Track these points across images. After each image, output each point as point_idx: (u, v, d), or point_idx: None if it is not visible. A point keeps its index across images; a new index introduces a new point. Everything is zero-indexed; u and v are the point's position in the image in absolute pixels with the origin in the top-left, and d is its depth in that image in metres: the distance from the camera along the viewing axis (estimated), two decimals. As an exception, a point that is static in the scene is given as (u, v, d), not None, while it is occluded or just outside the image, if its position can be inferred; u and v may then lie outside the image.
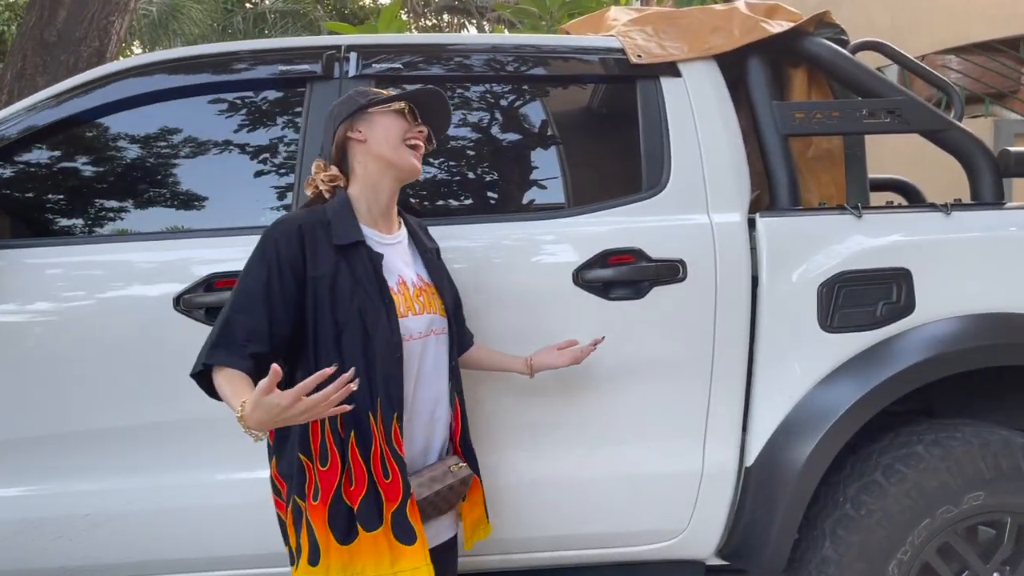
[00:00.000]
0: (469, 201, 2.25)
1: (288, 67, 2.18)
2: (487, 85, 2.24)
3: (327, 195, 1.74)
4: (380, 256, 1.68)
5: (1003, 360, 2.07)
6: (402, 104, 1.74)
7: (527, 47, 2.27)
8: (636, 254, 2.07)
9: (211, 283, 1.99)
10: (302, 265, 1.60)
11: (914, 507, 2.05)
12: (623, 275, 2.06)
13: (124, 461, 2.00)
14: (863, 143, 2.48)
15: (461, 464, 1.75)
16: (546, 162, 2.28)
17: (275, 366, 1.35)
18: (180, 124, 2.21)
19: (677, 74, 2.23)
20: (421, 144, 1.76)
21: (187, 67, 2.20)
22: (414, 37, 2.34)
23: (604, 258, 2.06)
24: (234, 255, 1.98)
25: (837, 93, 2.44)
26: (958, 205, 2.19)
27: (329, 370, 1.38)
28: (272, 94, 2.23)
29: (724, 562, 2.26)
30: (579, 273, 2.05)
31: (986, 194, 2.24)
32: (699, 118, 2.20)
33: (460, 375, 1.84)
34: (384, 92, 1.78)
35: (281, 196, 2.20)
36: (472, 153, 2.27)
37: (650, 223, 2.11)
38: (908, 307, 2.08)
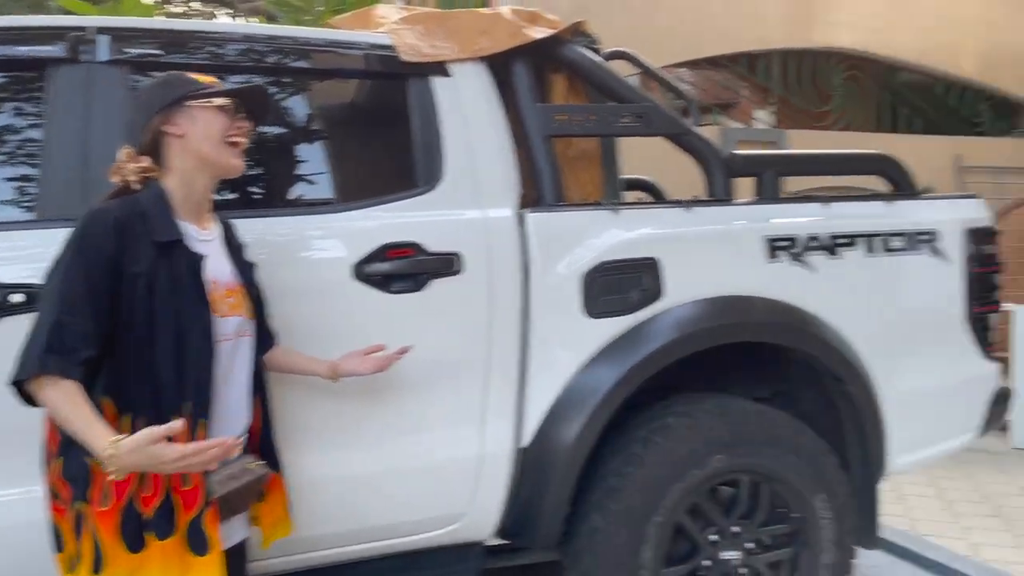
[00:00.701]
0: (237, 195, 2.19)
1: (25, 48, 1.99)
2: (259, 78, 2.18)
3: (137, 186, 1.62)
4: (201, 257, 1.62)
5: (733, 337, 2.36)
6: (226, 99, 1.66)
7: (301, 39, 2.25)
8: (414, 247, 2.12)
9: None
10: (120, 260, 1.52)
11: (668, 473, 2.27)
12: (402, 268, 2.10)
13: None
14: (616, 144, 2.70)
15: (258, 462, 1.71)
16: (322, 157, 2.27)
17: (181, 421, 1.41)
18: None
19: (447, 74, 2.31)
20: (242, 141, 1.70)
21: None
22: (180, 22, 2.23)
23: (383, 252, 2.10)
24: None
25: (592, 98, 2.63)
26: (696, 202, 2.46)
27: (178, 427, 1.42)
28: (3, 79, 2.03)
29: (502, 541, 2.37)
30: (359, 267, 2.07)
31: (718, 192, 2.52)
32: (470, 117, 2.29)
33: (264, 377, 1.81)
34: (202, 80, 1.68)
35: (20, 191, 2.01)
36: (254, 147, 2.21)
37: (426, 217, 2.17)
38: (657, 293, 2.30)
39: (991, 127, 9.37)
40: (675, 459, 2.28)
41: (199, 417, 1.58)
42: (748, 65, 8.36)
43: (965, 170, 8.76)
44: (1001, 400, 2.83)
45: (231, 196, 2.09)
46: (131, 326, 1.52)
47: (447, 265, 2.14)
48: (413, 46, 2.31)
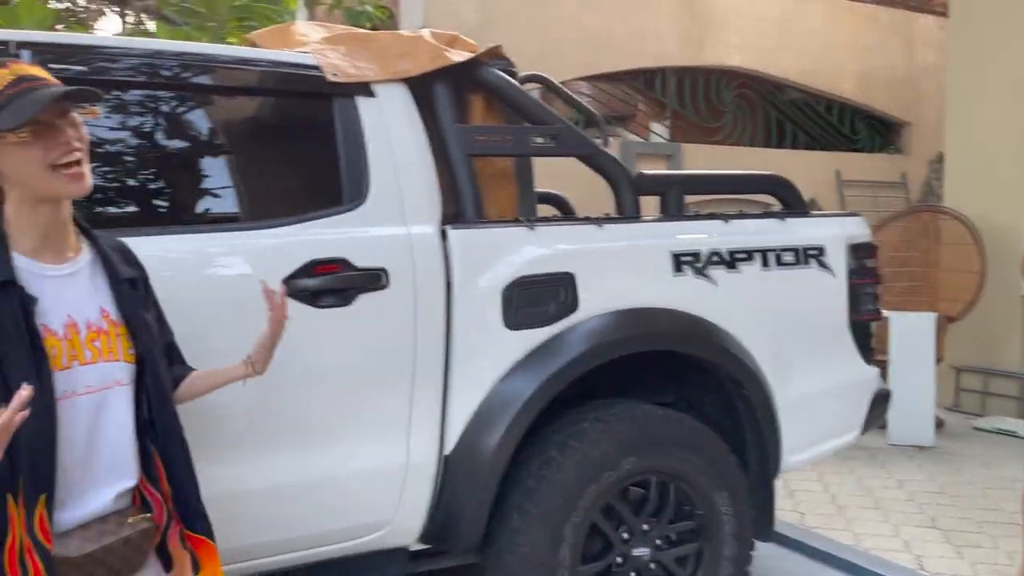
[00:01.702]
0: (165, 212, 2.20)
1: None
2: (178, 97, 2.19)
3: None
4: (33, 300, 1.37)
5: (645, 347, 2.52)
6: (23, 134, 1.34)
7: (226, 58, 2.28)
8: (342, 263, 2.18)
9: None
10: None
11: (583, 475, 2.40)
12: (330, 283, 2.16)
13: None
14: (531, 163, 2.83)
15: (141, 516, 1.48)
16: (248, 174, 2.30)
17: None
18: None
19: (371, 94, 2.38)
20: (79, 154, 1.40)
21: None
22: (107, 39, 2.22)
23: (311, 268, 2.15)
24: None
25: (507, 118, 2.75)
26: (608, 219, 2.61)
27: (26, 392, 1.18)
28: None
29: (425, 545, 2.45)
30: (287, 282, 2.11)
31: (627, 209, 2.68)
32: (393, 136, 2.36)
33: (170, 426, 1.54)
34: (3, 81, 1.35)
35: None
36: (169, 166, 2.22)
37: (353, 234, 2.23)
38: (573, 305, 2.43)
39: (867, 144, 10.02)
40: (590, 462, 2.41)
41: (38, 493, 1.33)
42: (645, 81, 8.69)
43: (845, 183, 9.36)
44: (881, 401, 3.10)
45: (162, 211, 2.10)
46: None
47: (374, 280, 2.21)
48: (337, 66, 2.37)
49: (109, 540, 1.40)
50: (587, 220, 2.58)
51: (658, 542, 2.58)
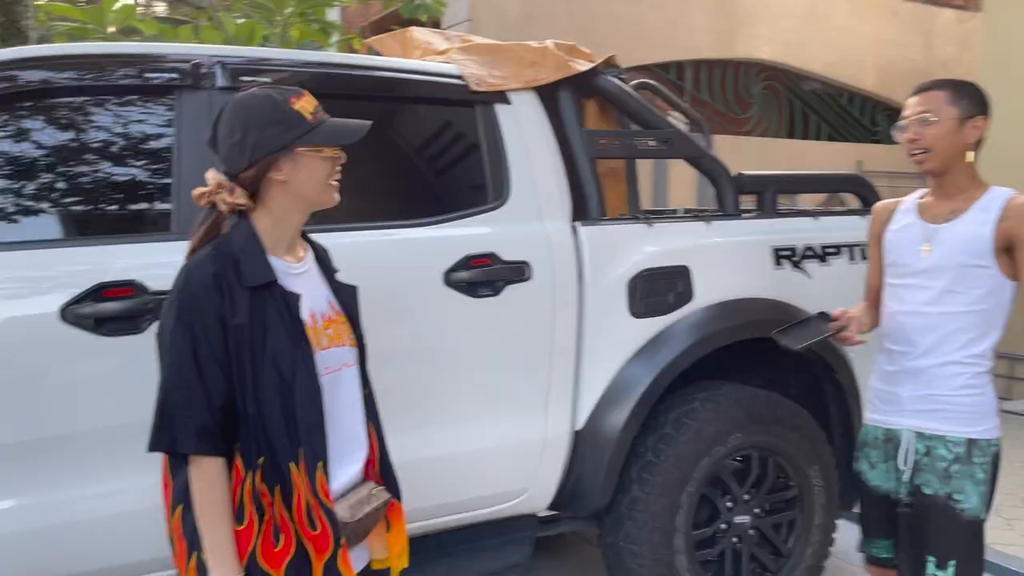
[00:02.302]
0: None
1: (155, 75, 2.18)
2: (360, 104, 2.42)
3: (225, 215, 1.56)
4: (296, 297, 1.54)
5: (753, 333, 2.75)
6: (334, 150, 1.58)
7: (387, 68, 2.49)
8: (492, 257, 2.42)
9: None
10: (224, 316, 1.46)
11: (697, 449, 2.65)
12: (483, 276, 2.39)
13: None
14: (635, 164, 3.06)
15: (380, 488, 1.68)
16: (401, 175, 2.52)
17: None
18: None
19: (508, 102, 2.60)
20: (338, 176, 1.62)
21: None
22: (284, 53, 2.44)
23: (467, 261, 2.38)
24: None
25: (620, 123, 2.98)
26: (714, 216, 2.84)
27: None
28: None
29: (552, 512, 2.70)
30: (448, 274, 2.35)
31: (729, 207, 2.91)
32: (528, 140, 2.59)
33: (375, 402, 1.74)
34: (307, 111, 1.55)
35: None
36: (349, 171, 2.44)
37: (500, 231, 2.47)
38: (688, 296, 2.67)
39: (887, 135, 10.26)
40: (703, 438, 2.66)
41: (316, 460, 1.51)
42: (677, 73, 8.90)
43: (867, 174, 9.60)
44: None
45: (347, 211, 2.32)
46: (238, 375, 1.47)
47: (519, 272, 2.44)
48: (478, 76, 2.59)
49: (367, 509, 1.60)
50: (696, 218, 2.82)
51: (757, 511, 2.83)
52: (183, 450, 1.45)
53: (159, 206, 2.21)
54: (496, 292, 2.42)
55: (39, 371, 1.94)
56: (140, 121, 2.23)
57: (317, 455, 1.52)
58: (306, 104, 1.56)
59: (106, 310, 1.97)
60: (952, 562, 2.02)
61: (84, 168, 2.18)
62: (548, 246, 2.51)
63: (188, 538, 1.50)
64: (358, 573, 1.60)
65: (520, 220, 2.51)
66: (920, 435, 2.08)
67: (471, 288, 2.38)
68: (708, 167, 2.91)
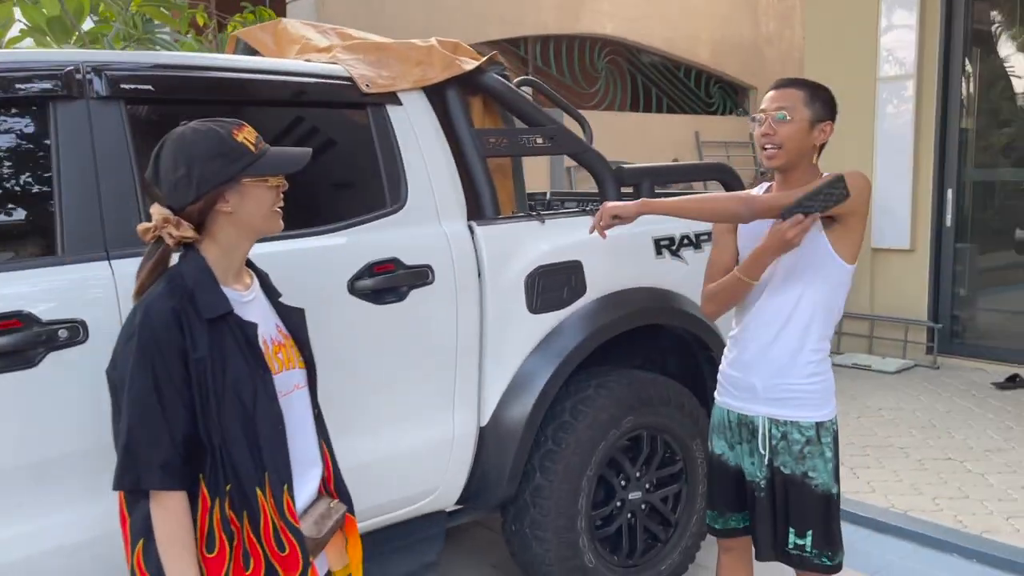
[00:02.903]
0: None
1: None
2: (250, 109, 2.33)
3: (172, 248, 1.59)
4: (254, 326, 1.59)
5: (646, 321, 2.90)
6: (278, 179, 1.63)
7: (276, 71, 2.41)
8: (395, 263, 2.41)
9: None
10: (186, 350, 1.48)
11: (594, 435, 2.78)
12: (387, 283, 2.39)
13: None
14: (521, 161, 3.12)
15: (337, 502, 1.76)
16: (297, 183, 2.45)
17: None
18: None
19: (399, 102, 2.59)
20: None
21: None
22: (175, 56, 2.29)
23: (370, 268, 2.37)
24: None
25: (504, 120, 3.01)
26: (596, 210, 2.94)
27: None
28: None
29: (459, 507, 2.76)
30: (352, 283, 2.33)
31: (611, 199, 3.03)
32: (422, 142, 2.59)
33: (324, 420, 1.81)
34: (248, 141, 1.59)
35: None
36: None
37: (400, 235, 2.46)
38: (582, 289, 2.78)
39: (720, 107, 10.87)
40: (599, 423, 2.79)
41: (282, 483, 1.57)
42: (525, 48, 9.02)
43: (704, 144, 10.15)
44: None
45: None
46: (203, 409, 1.50)
47: (422, 276, 2.46)
48: (368, 77, 2.55)
49: (331, 523, 1.68)
50: (582, 212, 2.92)
51: (647, 486, 3.01)
52: (148, 487, 1.46)
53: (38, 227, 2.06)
54: (401, 298, 2.42)
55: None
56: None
57: (282, 479, 1.58)
58: (248, 135, 1.60)
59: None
60: (809, 531, 2.20)
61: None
62: (448, 248, 2.53)
63: (152, 571, 1.50)
64: None
65: (419, 223, 2.52)
66: (775, 421, 2.22)
67: (376, 296, 2.37)
68: (590, 161, 3.01)
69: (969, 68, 6.37)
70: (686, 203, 2.20)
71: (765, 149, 2.17)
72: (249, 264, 1.74)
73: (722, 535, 2.42)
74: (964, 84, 6.36)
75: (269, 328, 1.68)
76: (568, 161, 8.53)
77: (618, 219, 2.23)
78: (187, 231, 1.56)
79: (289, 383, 1.67)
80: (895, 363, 6.24)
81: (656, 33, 9.77)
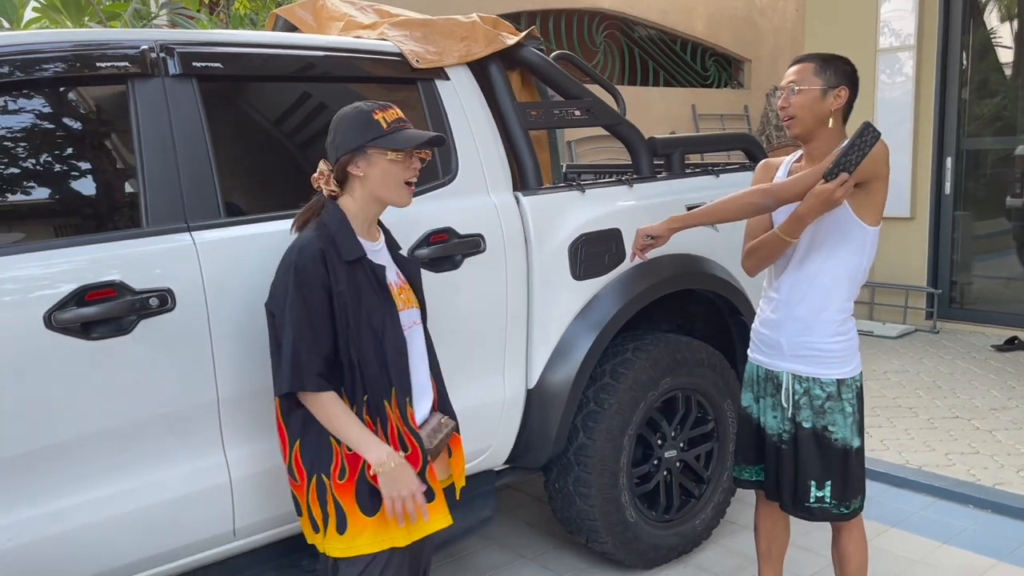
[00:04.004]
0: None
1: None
2: (306, 86, 2.40)
3: (324, 198, 1.95)
4: (383, 268, 1.93)
5: (686, 285, 3.02)
6: (399, 156, 1.90)
7: (329, 47, 2.48)
8: (449, 232, 2.51)
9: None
10: (330, 284, 1.82)
11: (635, 396, 2.90)
12: (443, 251, 2.49)
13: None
14: (556, 134, 3.21)
15: (447, 418, 2.09)
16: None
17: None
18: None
19: (447, 77, 2.67)
20: (415, 178, 1.95)
21: None
22: (232, 34, 2.36)
23: (428, 237, 2.46)
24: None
25: (542, 93, 3.10)
26: (634, 179, 3.05)
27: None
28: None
29: (507, 466, 2.88)
30: (412, 252, 2.42)
31: (644, 170, 3.13)
32: (469, 115, 2.68)
33: (436, 355, 2.13)
34: (388, 120, 1.89)
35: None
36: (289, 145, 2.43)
37: (453, 205, 2.56)
38: (621, 256, 2.89)
39: (716, 79, 10.94)
40: (639, 384, 2.91)
41: (404, 396, 1.92)
42: (526, 22, 9.04)
43: (700, 116, 10.24)
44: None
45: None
46: (340, 333, 1.84)
47: (475, 245, 2.55)
48: (417, 53, 2.64)
49: (440, 437, 2.02)
50: (618, 181, 3.02)
51: (682, 445, 3.14)
52: (311, 389, 1.79)
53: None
54: (456, 266, 2.52)
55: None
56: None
57: (405, 392, 1.93)
58: (387, 115, 1.91)
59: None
60: (828, 482, 2.33)
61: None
62: (497, 218, 2.63)
63: (307, 465, 1.87)
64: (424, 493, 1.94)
65: (470, 194, 2.61)
66: (798, 377, 2.34)
67: (433, 264, 2.46)
68: (625, 133, 3.11)
69: (969, 39, 6.48)
70: (712, 209, 2.35)
71: (784, 121, 2.30)
72: (381, 224, 2.07)
73: (741, 485, 2.56)
74: (963, 55, 6.48)
75: (392, 274, 2.00)
76: (569, 135, 8.60)
77: (651, 239, 2.39)
78: (332, 185, 1.93)
79: (409, 319, 2.00)
80: (896, 328, 6.41)
81: (652, 6, 9.81)
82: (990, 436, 4.21)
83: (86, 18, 5.08)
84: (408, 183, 1.94)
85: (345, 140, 1.89)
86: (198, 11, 5.69)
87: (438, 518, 1.95)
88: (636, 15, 9.83)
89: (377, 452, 1.82)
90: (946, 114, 6.48)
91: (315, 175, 1.96)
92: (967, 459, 3.94)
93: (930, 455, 4.00)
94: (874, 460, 3.95)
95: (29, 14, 5.04)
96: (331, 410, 1.83)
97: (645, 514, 3.04)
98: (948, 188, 6.51)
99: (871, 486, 3.77)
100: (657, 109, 9.72)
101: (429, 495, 1.92)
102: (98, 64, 2.06)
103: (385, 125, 1.89)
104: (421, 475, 1.91)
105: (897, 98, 6.58)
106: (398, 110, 1.95)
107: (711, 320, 3.42)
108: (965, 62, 6.51)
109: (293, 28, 3.15)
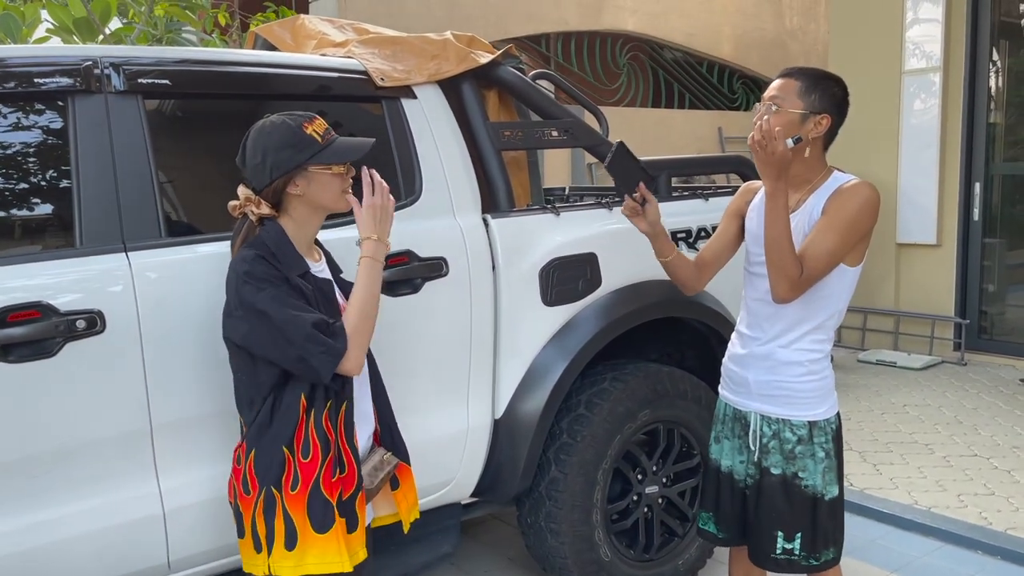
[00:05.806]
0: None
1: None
2: (264, 104, 2.34)
3: (255, 223, 1.84)
4: (330, 281, 1.89)
5: (664, 313, 2.89)
6: (340, 168, 1.84)
7: (291, 66, 2.42)
8: (409, 255, 2.42)
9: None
10: (285, 277, 1.76)
11: (610, 428, 2.77)
12: (402, 274, 2.40)
13: None
14: (538, 154, 3.11)
15: (389, 455, 1.99)
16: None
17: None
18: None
19: (413, 96, 2.59)
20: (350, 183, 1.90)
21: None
22: (191, 51, 2.32)
23: (385, 260, 2.36)
24: None
25: (519, 113, 3.01)
26: (615, 202, 2.94)
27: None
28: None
29: (474, 499, 2.76)
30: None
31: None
32: (436, 135, 2.59)
33: (382, 384, 2.05)
34: (318, 133, 1.82)
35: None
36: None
37: (414, 227, 2.47)
38: (597, 282, 2.77)
39: (743, 102, 10.78)
40: (615, 416, 2.78)
41: (351, 414, 1.86)
42: (547, 45, 9.02)
43: (727, 140, 10.08)
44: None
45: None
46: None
47: (437, 268, 2.46)
48: (383, 71, 2.56)
49: (381, 475, 1.93)
50: (597, 204, 2.91)
51: (664, 480, 2.99)
52: (344, 350, 1.75)
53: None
54: (415, 290, 2.43)
55: None
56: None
57: (351, 411, 1.86)
58: (317, 127, 1.83)
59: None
60: (798, 534, 2.14)
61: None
62: (462, 240, 2.54)
63: (260, 475, 1.76)
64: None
65: (433, 216, 2.52)
66: (767, 419, 2.16)
67: (390, 288, 2.37)
68: (606, 154, 2.99)
69: (997, 61, 6.26)
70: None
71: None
72: (319, 244, 2.01)
73: (703, 537, 2.40)
74: (992, 77, 6.26)
75: (337, 295, 1.92)
76: (589, 157, 8.51)
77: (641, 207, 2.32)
78: (265, 209, 1.83)
79: None
80: (921, 359, 6.16)
81: (677, 28, 9.72)
82: (1008, 476, 3.98)
83: (99, 38, 5.12)
84: (345, 190, 1.88)
85: (280, 160, 1.79)
86: (211, 32, 5.72)
87: (357, 550, 1.83)
88: (661, 37, 9.74)
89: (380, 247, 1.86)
90: (974, 138, 6.26)
91: (235, 203, 1.85)
92: (981, 500, 3.72)
93: (941, 496, 3.79)
94: (881, 500, 3.75)
95: (40, 32, 5.09)
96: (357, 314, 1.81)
97: (623, 553, 2.89)
98: (977, 215, 6.27)
99: (876, 527, 3.58)
100: (682, 132, 9.59)
101: (352, 525, 1.82)
102: (36, 80, 2.02)
103: (319, 138, 1.81)
104: (352, 500, 1.82)
105: (923, 122, 6.37)
106: (322, 119, 1.86)
107: (704, 351, 3.27)
108: (994, 84, 6.29)
109: (273, 47, 3.11)
